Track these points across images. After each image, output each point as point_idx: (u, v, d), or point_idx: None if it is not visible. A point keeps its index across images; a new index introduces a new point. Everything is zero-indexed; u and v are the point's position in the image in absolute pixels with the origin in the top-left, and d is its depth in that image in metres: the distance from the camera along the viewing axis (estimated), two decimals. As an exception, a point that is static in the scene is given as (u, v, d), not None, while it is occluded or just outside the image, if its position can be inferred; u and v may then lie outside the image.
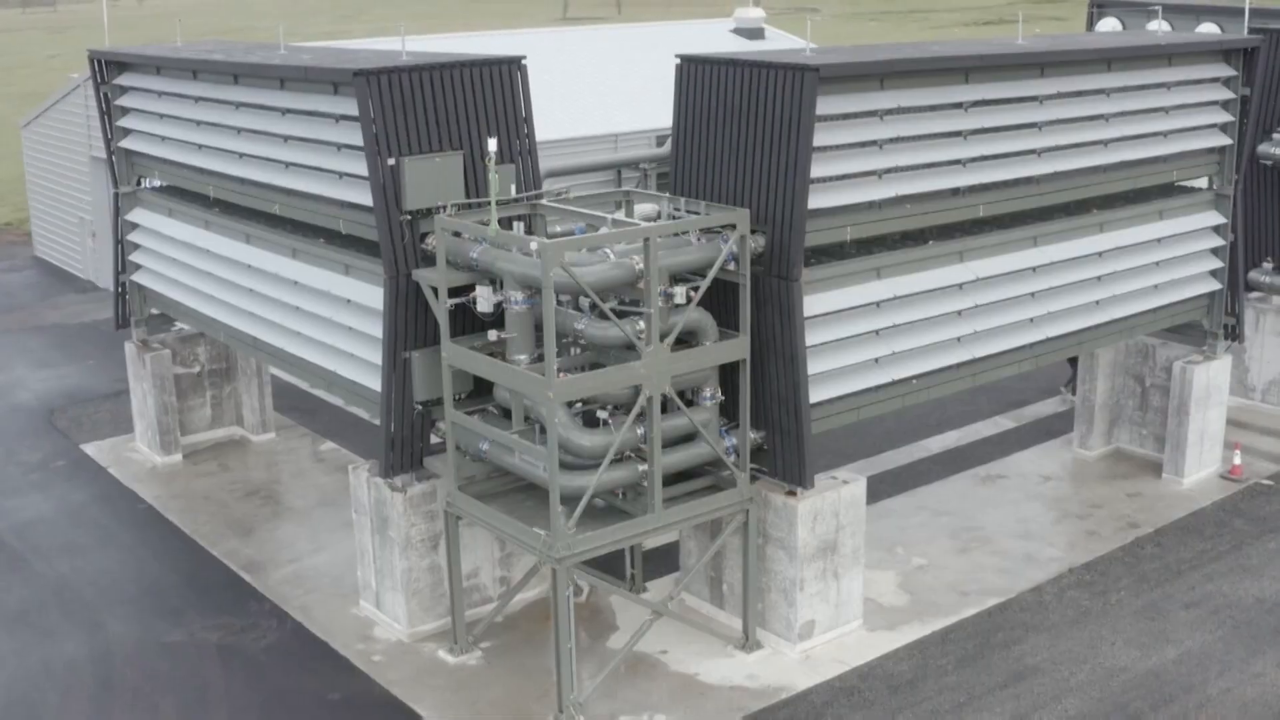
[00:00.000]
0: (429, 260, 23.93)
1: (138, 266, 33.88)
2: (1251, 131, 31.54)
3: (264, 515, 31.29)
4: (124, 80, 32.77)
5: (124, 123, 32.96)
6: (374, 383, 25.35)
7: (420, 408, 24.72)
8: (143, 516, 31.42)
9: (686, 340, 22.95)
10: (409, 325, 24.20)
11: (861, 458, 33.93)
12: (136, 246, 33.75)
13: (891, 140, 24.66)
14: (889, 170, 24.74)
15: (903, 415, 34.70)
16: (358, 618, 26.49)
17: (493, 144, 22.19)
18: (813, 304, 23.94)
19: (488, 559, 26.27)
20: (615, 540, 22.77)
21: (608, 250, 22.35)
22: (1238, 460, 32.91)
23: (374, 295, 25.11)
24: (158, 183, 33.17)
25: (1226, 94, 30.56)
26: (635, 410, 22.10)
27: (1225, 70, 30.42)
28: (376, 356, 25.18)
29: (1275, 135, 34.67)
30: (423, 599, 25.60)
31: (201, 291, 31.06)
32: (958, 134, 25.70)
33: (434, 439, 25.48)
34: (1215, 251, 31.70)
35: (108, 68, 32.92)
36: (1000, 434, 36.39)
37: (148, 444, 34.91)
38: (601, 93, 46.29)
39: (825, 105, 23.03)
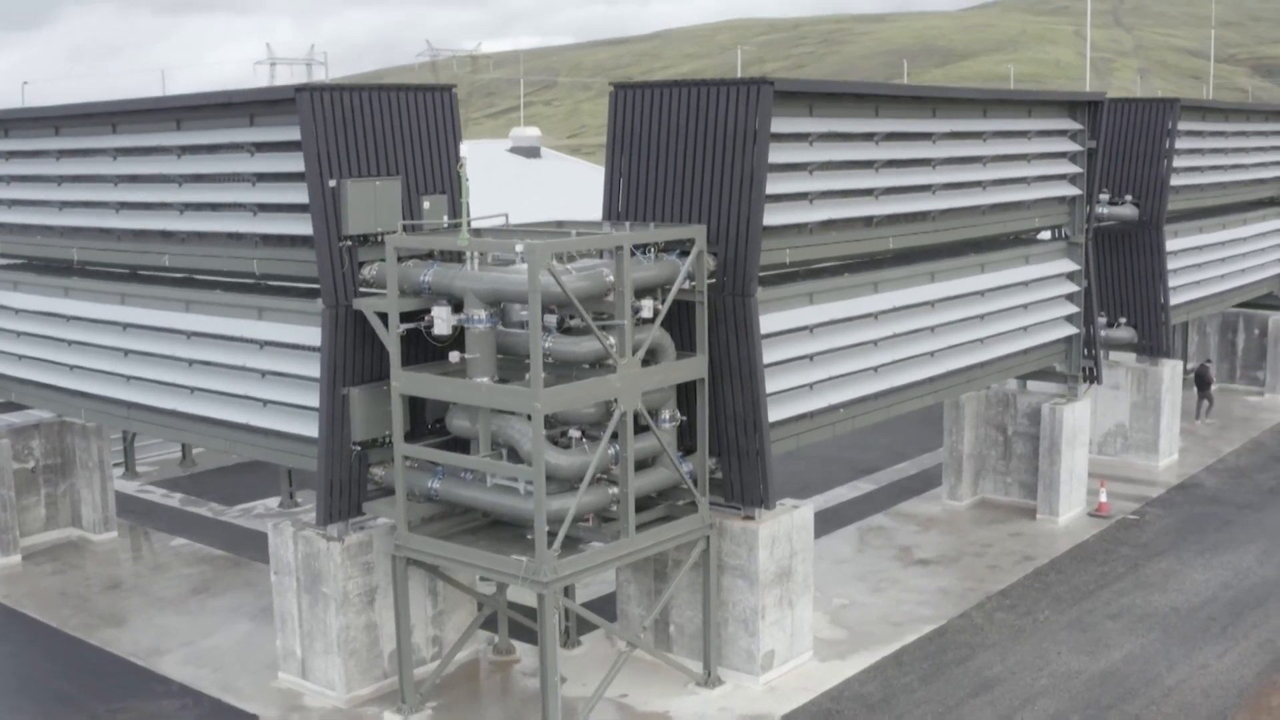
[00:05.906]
0: (367, 290, 22.73)
1: (-30, 349, 30.97)
2: (1098, 184, 33.48)
3: (135, 606, 28.49)
4: (-41, 146, 30.27)
5: (-42, 192, 30.35)
6: (296, 428, 23.75)
7: (357, 449, 23.18)
8: (-5, 615, 28.19)
9: (647, 359, 22.44)
10: (349, 360, 22.79)
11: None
12: (-31, 328, 30.89)
13: (819, 165, 25.11)
14: (819, 195, 25.14)
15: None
16: (280, 690, 24.24)
17: (464, 147, 21.46)
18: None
19: (421, 618, 24.58)
20: (598, 564, 21.74)
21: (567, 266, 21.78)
22: (1104, 497, 34.32)
23: (295, 334, 23.71)
24: (-3, 258, 30.61)
25: (1074, 146, 32.54)
26: (611, 425, 21.37)
27: (1073, 124, 32.44)
28: (298, 399, 23.66)
29: (1101, 197, 37.03)
30: (360, 660, 23.69)
31: (60, 364, 28.58)
32: (870, 164, 26.42)
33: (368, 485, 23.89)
34: (1070, 297, 33.41)
35: (-59, 133, 30.35)
36: (865, 495, 36.91)
37: (-20, 546, 31.47)
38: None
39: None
